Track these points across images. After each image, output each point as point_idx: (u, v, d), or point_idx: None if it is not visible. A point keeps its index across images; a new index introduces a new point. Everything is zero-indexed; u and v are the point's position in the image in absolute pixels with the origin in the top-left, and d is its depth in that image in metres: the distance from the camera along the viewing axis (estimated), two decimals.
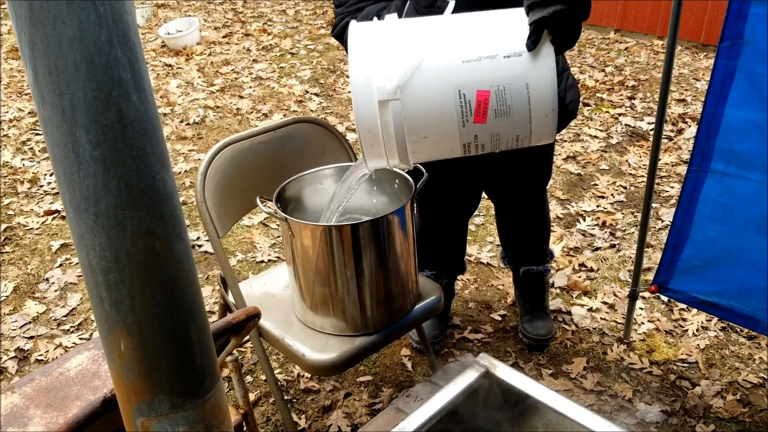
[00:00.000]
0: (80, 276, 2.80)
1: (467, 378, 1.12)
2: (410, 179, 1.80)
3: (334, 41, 5.61)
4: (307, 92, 4.65)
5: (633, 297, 2.31)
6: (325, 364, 1.72)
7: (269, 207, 1.75)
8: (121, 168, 0.84)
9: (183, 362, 0.97)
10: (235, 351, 1.63)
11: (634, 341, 2.39)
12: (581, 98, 4.44)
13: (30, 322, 2.54)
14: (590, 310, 2.55)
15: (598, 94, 4.47)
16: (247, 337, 2.03)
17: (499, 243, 2.51)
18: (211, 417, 1.03)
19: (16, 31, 0.80)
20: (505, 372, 1.13)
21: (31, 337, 2.46)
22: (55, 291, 2.71)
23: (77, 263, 2.87)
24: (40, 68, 0.80)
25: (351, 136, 3.77)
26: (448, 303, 2.50)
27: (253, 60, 5.24)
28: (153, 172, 0.89)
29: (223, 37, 5.75)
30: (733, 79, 1.91)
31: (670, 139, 3.83)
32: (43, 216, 3.20)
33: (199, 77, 4.90)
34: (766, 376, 2.24)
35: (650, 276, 2.53)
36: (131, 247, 0.89)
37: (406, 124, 1.44)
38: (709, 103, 1.96)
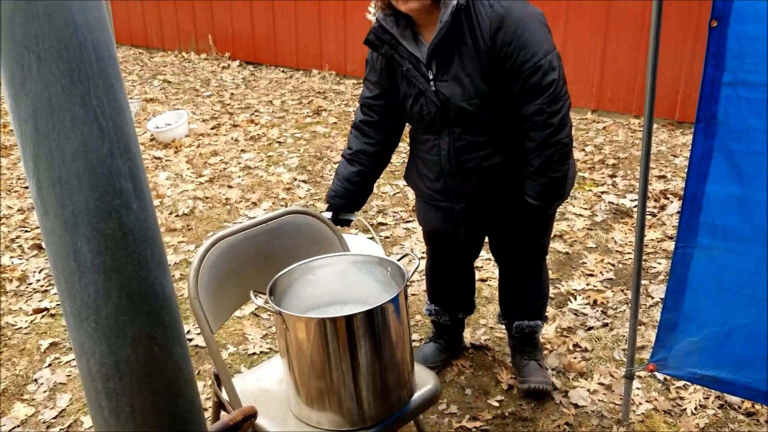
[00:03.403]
0: (69, 375, 2.75)
1: None
2: (402, 267, 1.82)
3: (320, 129, 5.74)
4: (295, 179, 4.72)
5: (629, 377, 2.30)
6: None
7: (262, 300, 1.75)
8: (122, 275, 0.86)
9: None
10: None
11: (633, 422, 2.36)
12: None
13: (18, 426, 2.48)
14: (588, 391, 2.52)
15: (580, 173, 4.56)
16: None
17: (496, 321, 2.55)
18: None
19: (21, 146, 0.83)
20: None
21: None
22: (44, 392, 2.66)
23: (66, 362, 2.83)
24: (44, 181, 0.82)
25: None
26: (458, 335, 2.74)
27: (241, 150, 5.33)
28: (152, 277, 0.90)
29: (212, 128, 5.87)
30: (712, 157, 1.98)
31: (653, 215, 3.89)
32: (32, 314, 3.17)
33: (188, 168, 4.96)
34: None
35: (645, 354, 2.53)
36: (131, 353, 0.90)
37: None
38: (690, 181, 2.02)
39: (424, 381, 1.89)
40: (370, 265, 1.93)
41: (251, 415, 1.40)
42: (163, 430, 0.95)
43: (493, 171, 2.18)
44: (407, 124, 2.33)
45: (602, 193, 4.24)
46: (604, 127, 5.50)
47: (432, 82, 2.07)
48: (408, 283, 1.79)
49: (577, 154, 4.92)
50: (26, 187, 4.69)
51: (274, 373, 2.02)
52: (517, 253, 2.44)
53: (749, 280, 2.01)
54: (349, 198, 2.32)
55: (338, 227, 2.24)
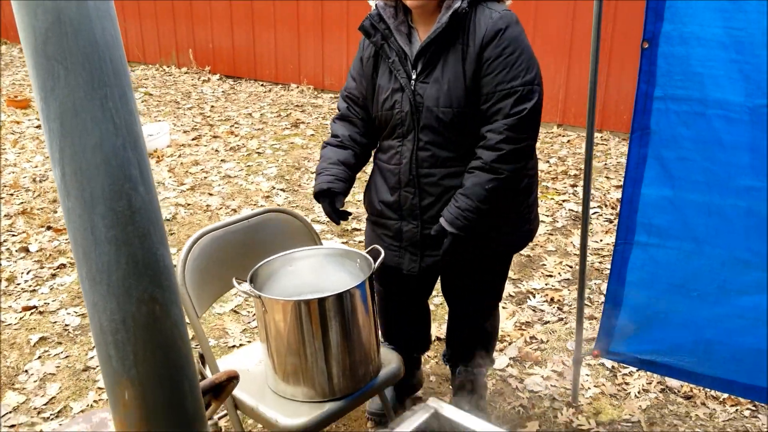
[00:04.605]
0: (58, 366, 2.91)
1: (418, 418, 1.32)
2: (370, 258, 2.03)
3: (298, 140, 5.95)
4: (274, 188, 4.92)
5: (578, 362, 2.53)
6: (297, 428, 1.88)
7: (247, 286, 1.95)
8: (130, 246, 1.06)
9: (177, 409, 1.15)
10: (214, 416, 1.79)
11: (582, 405, 2.59)
12: None
13: (10, 412, 2.64)
14: (542, 378, 2.75)
15: (543, 183, 4.82)
16: (225, 413, 2.19)
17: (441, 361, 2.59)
18: None
19: (48, 140, 1.04)
20: (451, 411, 1.33)
21: (12, 426, 2.56)
22: (35, 382, 2.82)
23: (55, 355, 2.99)
24: (68, 170, 1.03)
25: (317, 227, 4.00)
26: (410, 377, 2.55)
27: (222, 160, 5.53)
28: (155, 249, 1.10)
29: (192, 139, 6.06)
30: (646, 163, 2.22)
31: (610, 221, 4.15)
32: (21, 312, 3.33)
33: (170, 177, 5.14)
34: (701, 431, 2.44)
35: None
36: (136, 311, 1.10)
37: None
38: (627, 185, 2.26)
39: (389, 360, 2.10)
40: (342, 258, 2.14)
41: (233, 377, 1.60)
42: (162, 378, 1.15)
43: (453, 193, 2.06)
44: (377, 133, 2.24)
45: (563, 201, 4.50)
46: (568, 141, 5.78)
47: (413, 81, 2.04)
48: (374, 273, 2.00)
49: (542, 165, 5.19)
50: (12, 194, 4.84)
51: (253, 356, 2.21)
52: (469, 296, 2.35)
53: (680, 273, 2.25)
54: (348, 182, 2.18)
55: (339, 221, 2.19)
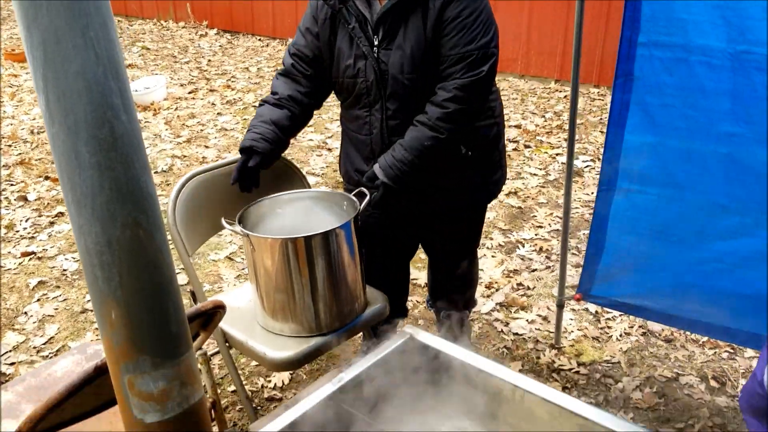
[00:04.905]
0: (57, 309, 2.99)
1: (394, 342, 1.39)
2: (356, 200, 2.08)
3: None
4: None
5: (560, 306, 2.60)
6: (284, 361, 1.96)
7: (239, 228, 2.00)
8: (113, 172, 1.11)
9: (162, 329, 1.21)
10: (204, 346, 1.86)
11: (565, 347, 2.66)
12: (523, 141, 4.81)
13: (11, 351, 2.73)
14: (527, 321, 2.83)
15: (538, 137, 4.85)
16: (216, 348, 2.26)
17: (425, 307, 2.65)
18: (185, 376, 1.26)
19: (32, 67, 1.08)
20: (425, 336, 1.39)
21: (12, 363, 2.65)
22: (34, 323, 2.90)
23: (54, 298, 3.07)
24: (51, 96, 1.07)
25: (312, 180, 4.04)
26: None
27: (218, 113, 5.54)
28: (138, 176, 1.15)
29: (189, 93, 6.06)
30: (629, 109, 2.25)
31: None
32: (20, 257, 3.40)
33: (167, 130, 5.17)
34: (680, 372, 2.52)
35: None
36: (120, 234, 1.15)
37: None
38: (610, 132, 2.29)
39: (375, 299, 2.17)
40: (328, 200, 2.19)
41: (220, 306, 1.67)
42: (146, 298, 1.20)
43: None
44: (336, 96, 2.21)
45: (557, 154, 4.54)
46: (565, 96, 5.78)
47: (375, 49, 1.99)
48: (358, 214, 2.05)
49: (537, 120, 5.21)
50: (10, 145, 4.88)
51: (243, 295, 2.28)
52: (448, 245, 2.40)
53: (661, 219, 2.30)
54: (276, 143, 2.09)
55: (242, 187, 2.11)
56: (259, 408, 2.41)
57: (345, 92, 2.12)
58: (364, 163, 2.17)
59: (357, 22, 1.98)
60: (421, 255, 3.21)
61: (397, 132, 2.07)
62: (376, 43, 1.99)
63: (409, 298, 2.97)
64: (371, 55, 1.99)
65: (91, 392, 1.44)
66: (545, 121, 5.19)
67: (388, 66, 1.99)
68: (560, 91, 5.92)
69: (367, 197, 2.09)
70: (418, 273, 3.15)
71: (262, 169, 2.11)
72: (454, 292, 2.51)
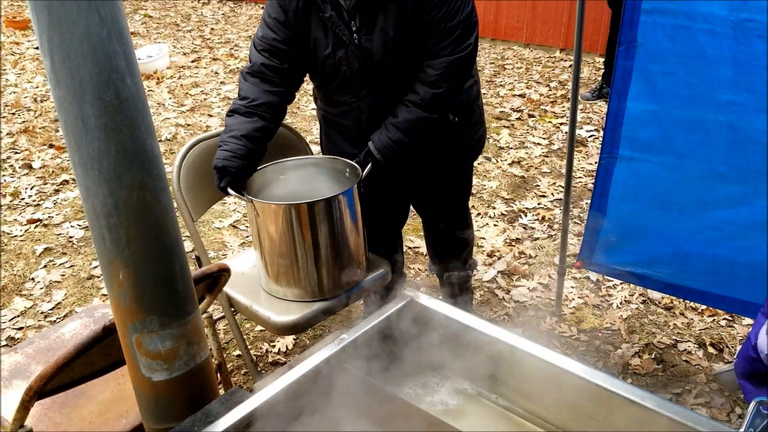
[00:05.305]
0: (63, 275, 3.03)
1: (395, 304, 1.41)
2: (358, 168, 2.09)
3: None
4: None
5: (562, 273, 2.62)
6: (288, 325, 1.99)
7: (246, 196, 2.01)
8: (119, 134, 1.13)
9: (169, 289, 1.24)
10: (209, 310, 1.89)
11: (566, 314, 2.70)
12: (527, 111, 4.80)
13: (18, 316, 2.77)
14: (528, 289, 2.86)
15: (542, 107, 4.84)
16: (222, 314, 2.30)
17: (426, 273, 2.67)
18: (191, 335, 1.30)
19: (37, 29, 1.09)
20: (424, 299, 1.42)
21: (20, 328, 2.69)
22: (41, 289, 2.94)
23: (60, 264, 3.11)
24: (57, 57, 1.08)
25: (315, 149, 4.05)
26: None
27: (221, 82, 5.54)
28: (143, 139, 1.17)
29: (192, 61, 6.04)
30: (631, 77, 2.25)
31: None
32: (26, 224, 3.43)
33: (170, 98, 5.17)
34: (678, 339, 2.56)
35: None
36: (127, 196, 1.17)
37: None
38: (613, 99, 2.29)
39: (377, 265, 2.19)
40: (331, 167, 2.21)
41: (224, 269, 1.70)
42: (153, 258, 1.23)
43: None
44: (312, 82, 2.16)
45: (561, 124, 4.53)
46: (570, 65, 5.75)
47: (355, 35, 1.93)
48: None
49: (542, 89, 5.19)
50: (14, 113, 4.88)
51: (247, 261, 2.31)
52: (439, 205, 2.43)
53: (661, 187, 2.31)
54: (249, 159, 1.99)
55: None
56: (263, 371, 2.45)
57: (326, 81, 2.07)
58: (350, 146, 2.16)
59: (333, 10, 1.91)
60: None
61: (385, 114, 2.04)
62: (354, 29, 1.93)
63: (411, 266, 3.00)
64: (353, 43, 1.94)
65: (99, 352, 1.47)
66: (549, 90, 5.17)
67: (372, 51, 1.94)
68: (565, 60, 5.89)
69: (369, 165, 2.10)
70: (420, 241, 3.17)
71: (242, 180, 2.01)
72: (451, 252, 2.52)
